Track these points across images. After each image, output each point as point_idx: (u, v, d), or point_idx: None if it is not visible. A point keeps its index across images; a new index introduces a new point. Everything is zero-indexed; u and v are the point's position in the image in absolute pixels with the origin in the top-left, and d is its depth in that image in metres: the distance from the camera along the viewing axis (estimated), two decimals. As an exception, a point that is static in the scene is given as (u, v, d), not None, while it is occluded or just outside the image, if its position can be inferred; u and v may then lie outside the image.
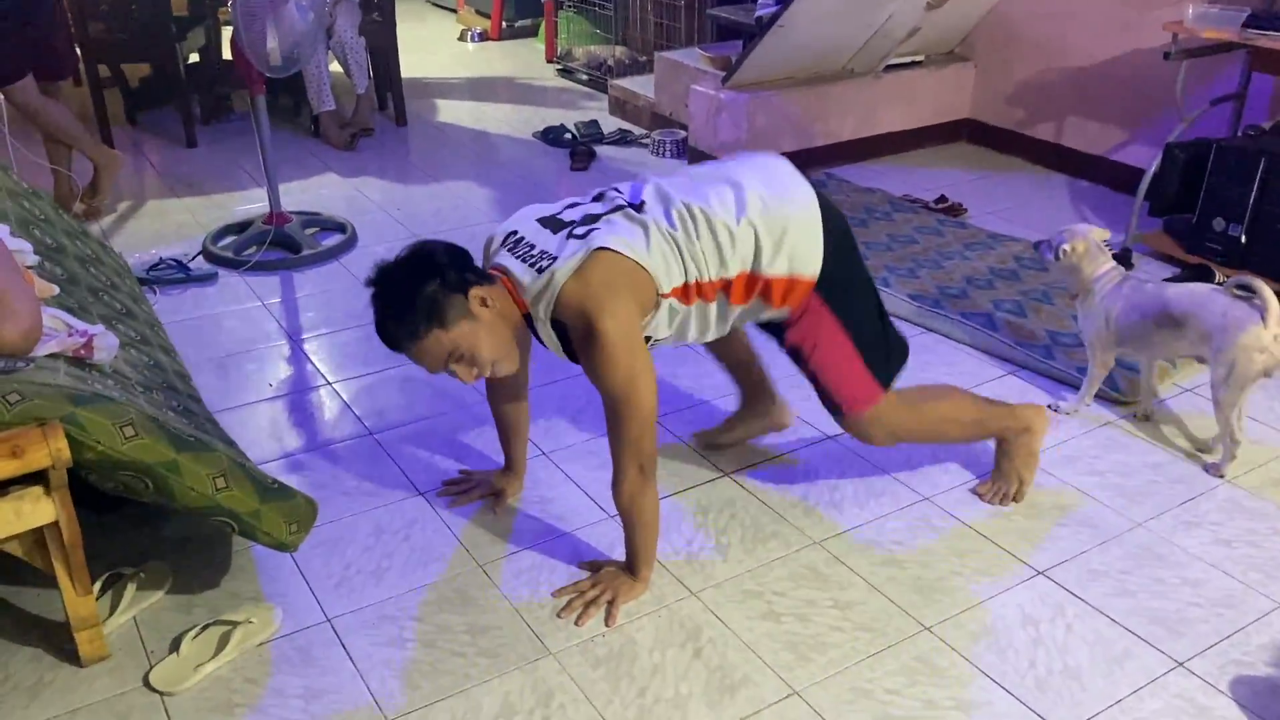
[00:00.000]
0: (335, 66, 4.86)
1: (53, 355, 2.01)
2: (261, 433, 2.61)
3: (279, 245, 3.62)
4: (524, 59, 6.37)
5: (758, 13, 4.16)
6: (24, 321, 1.94)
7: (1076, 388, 2.72)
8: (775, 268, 1.96)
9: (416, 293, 1.84)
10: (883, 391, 2.11)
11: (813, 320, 2.03)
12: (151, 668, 1.88)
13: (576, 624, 1.98)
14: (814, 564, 2.14)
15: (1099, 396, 2.71)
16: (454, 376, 1.92)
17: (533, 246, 1.95)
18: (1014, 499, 2.32)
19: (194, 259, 3.53)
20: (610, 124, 5.02)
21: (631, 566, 2.05)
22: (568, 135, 4.79)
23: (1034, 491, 2.36)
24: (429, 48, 6.60)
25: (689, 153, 4.46)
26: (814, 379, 2.11)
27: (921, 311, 3.14)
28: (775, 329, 2.11)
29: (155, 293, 3.32)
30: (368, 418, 2.67)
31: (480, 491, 2.34)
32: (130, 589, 2.02)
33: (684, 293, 1.96)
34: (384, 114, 5.20)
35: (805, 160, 4.35)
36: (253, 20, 3.16)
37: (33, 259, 2.50)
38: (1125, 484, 2.40)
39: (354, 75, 4.75)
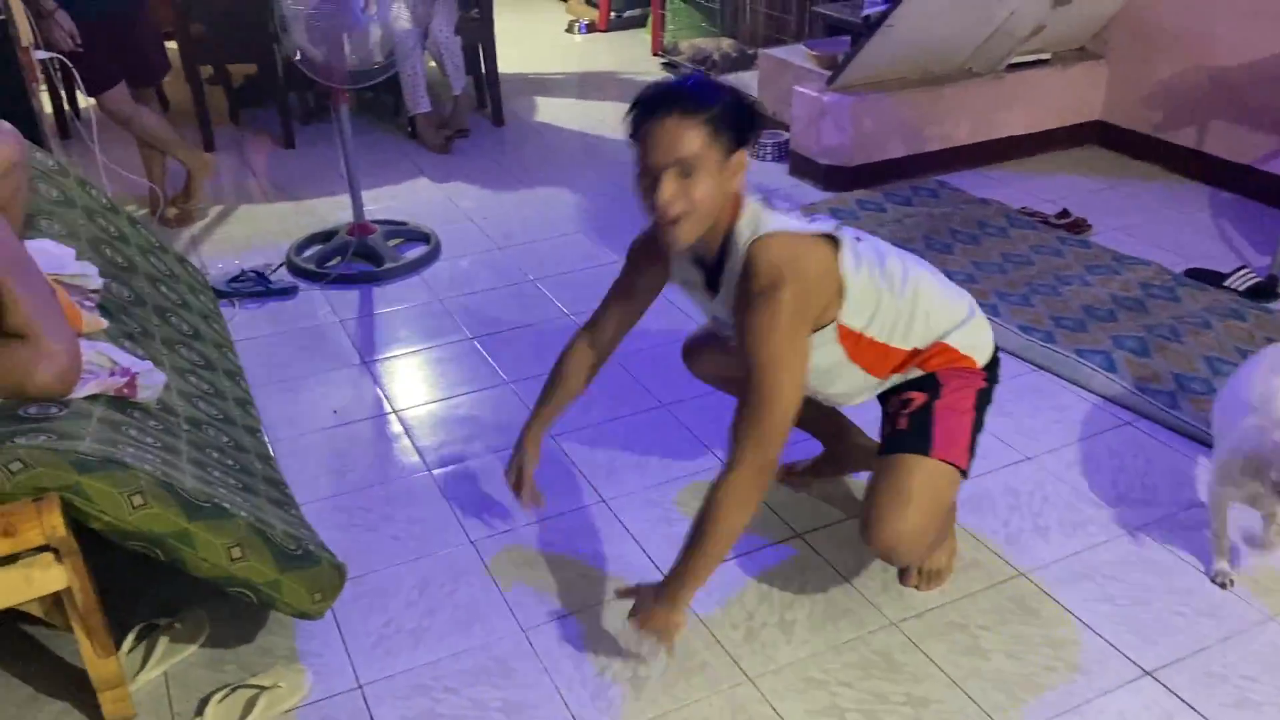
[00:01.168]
0: (432, 64, 4.78)
1: (92, 397, 1.96)
2: (319, 465, 2.52)
3: (362, 257, 3.55)
4: (629, 52, 6.20)
5: (864, 11, 3.88)
6: (60, 362, 1.87)
7: (1203, 443, 2.42)
8: (960, 341, 1.93)
9: (726, 98, 1.67)
10: (966, 467, 1.90)
11: (962, 382, 1.92)
12: (175, 732, 1.81)
13: None
14: (888, 649, 1.93)
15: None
16: (653, 196, 1.68)
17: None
18: (944, 576, 2.09)
19: (276, 270, 3.49)
20: (712, 123, 4.80)
21: (672, 583, 1.75)
22: (666, 137, 4.59)
23: (1149, 570, 2.09)
24: (534, 39, 6.49)
25: (790, 157, 4.23)
26: (921, 414, 1.88)
27: (1031, 346, 2.86)
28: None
29: (234, 306, 3.28)
30: (428, 451, 2.56)
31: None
32: (163, 642, 1.95)
33: (855, 341, 1.86)
34: (482, 113, 5.10)
35: (916, 166, 4.08)
36: (313, 28, 3.08)
37: (98, 282, 2.46)
38: (1259, 563, 2.11)
39: (450, 75, 4.66)
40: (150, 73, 3.79)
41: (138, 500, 1.57)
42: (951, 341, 1.91)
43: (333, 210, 4.00)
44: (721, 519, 1.70)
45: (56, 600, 1.70)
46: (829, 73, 3.99)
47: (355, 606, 2.07)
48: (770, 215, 1.78)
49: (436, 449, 2.57)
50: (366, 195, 3.72)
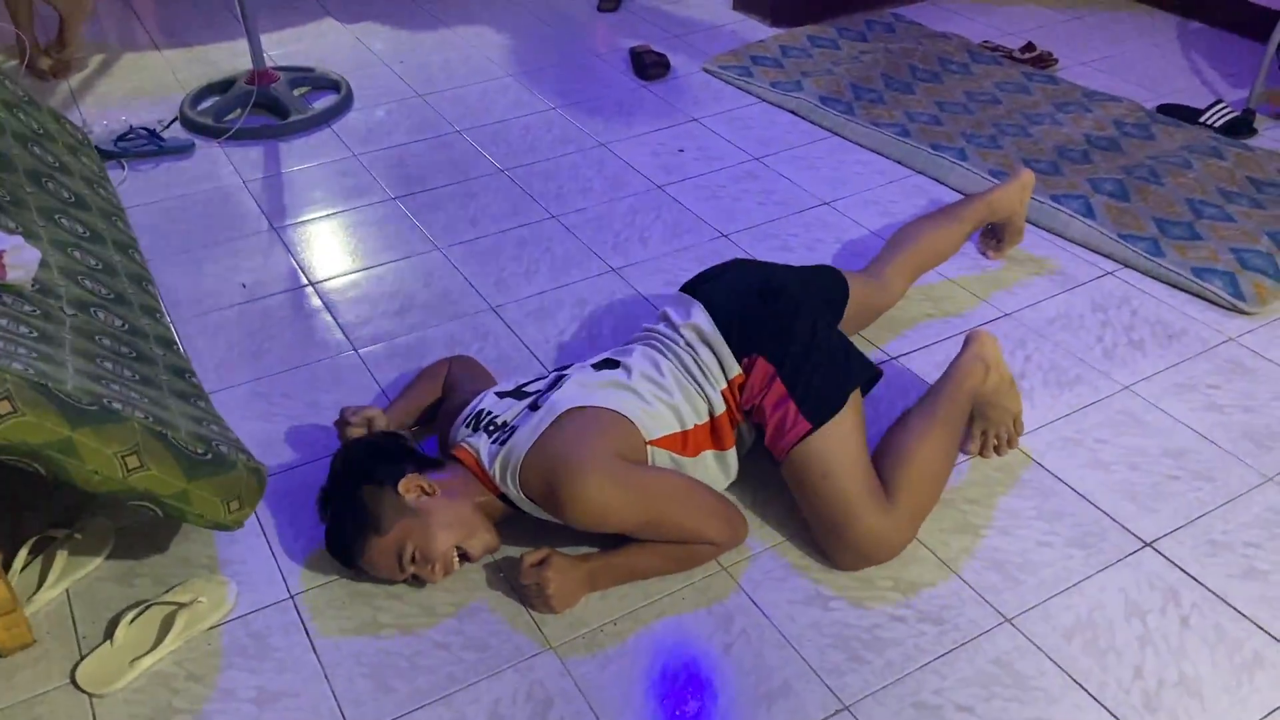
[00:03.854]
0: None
1: (-49, 280, 1.67)
2: (230, 348, 2.25)
3: (264, 108, 3.19)
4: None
5: None
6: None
7: (1189, 292, 2.28)
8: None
9: (349, 504, 1.64)
10: (808, 425, 1.69)
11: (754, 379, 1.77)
12: (82, 658, 1.60)
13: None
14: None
15: (1215, 304, 2.28)
16: (424, 581, 1.68)
17: (494, 418, 1.74)
18: (1011, 443, 1.92)
19: (168, 127, 3.11)
20: (646, -46, 4.41)
21: (600, 565, 1.68)
22: (596, -32, 4.20)
23: (1141, 431, 1.96)
24: None
25: (734, -10, 3.89)
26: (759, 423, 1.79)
27: (1003, 192, 2.66)
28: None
29: (124, 168, 2.92)
30: (353, 328, 2.31)
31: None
32: (62, 556, 1.72)
33: (682, 442, 1.73)
34: (391, -56, 4.62)
35: (870, -1, 3.79)
36: None
37: (-51, 143, 2.12)
38: (1252, 422, 1.98)
39: (353, -100, 4.17)
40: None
41: (5, 407, 1.31)
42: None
43: (229, 57, 3.59)
44: (669, 564, 1.70)
45: (-77, 522, 1.46)
46: (775, -108, 3.63)
47: (282, 506, 1.86)
48: (498, 448, 1.67)
49: (362, 325, 2.32)
50: (267, 39, 3.33)
